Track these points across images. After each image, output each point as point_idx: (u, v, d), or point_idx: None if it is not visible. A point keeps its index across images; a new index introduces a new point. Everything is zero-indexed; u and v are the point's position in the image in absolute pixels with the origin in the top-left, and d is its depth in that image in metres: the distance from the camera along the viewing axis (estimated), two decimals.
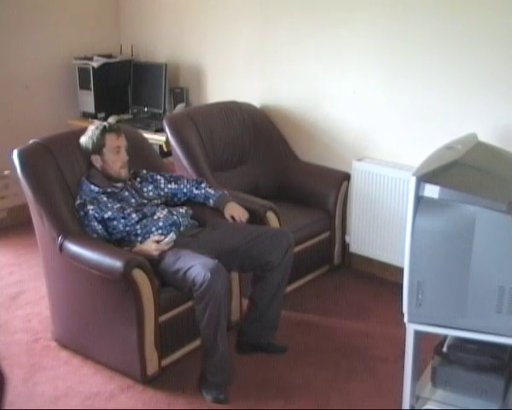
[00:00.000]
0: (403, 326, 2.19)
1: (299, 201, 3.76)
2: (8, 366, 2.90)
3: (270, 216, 3.20)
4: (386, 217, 3.57)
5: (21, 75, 4.52)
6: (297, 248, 3.19)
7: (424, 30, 3.33)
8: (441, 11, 3.27)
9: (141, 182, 3.09)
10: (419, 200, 2.03)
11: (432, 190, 2.01)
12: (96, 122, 3.12)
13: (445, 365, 2.25)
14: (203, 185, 3.15)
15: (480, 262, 1.98)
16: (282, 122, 4.05)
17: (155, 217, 2.93)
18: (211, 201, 3.11)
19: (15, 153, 2.96)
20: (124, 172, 2.99)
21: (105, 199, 2.90)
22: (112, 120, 4.37)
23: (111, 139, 2.95)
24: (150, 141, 3.71)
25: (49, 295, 3.09)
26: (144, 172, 3.14)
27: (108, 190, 2.94)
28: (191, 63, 4.55)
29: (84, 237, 2.83)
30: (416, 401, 2.25)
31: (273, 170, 3.93)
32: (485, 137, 2.55)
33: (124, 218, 2.89)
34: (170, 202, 3.14)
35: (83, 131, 3.05)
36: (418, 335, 2.16)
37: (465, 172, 2.12)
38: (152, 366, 2.74)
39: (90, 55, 4.67)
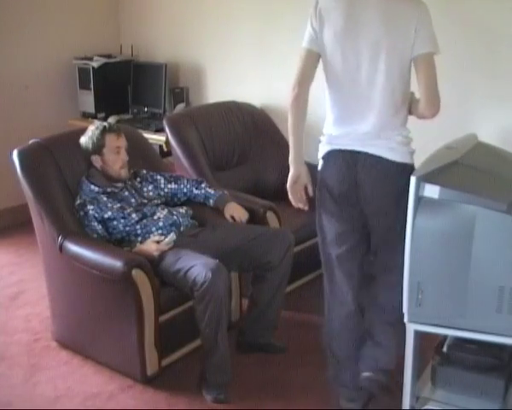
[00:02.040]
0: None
1: None
2: (8, 366, 2.92)
3: (270, 216, 3.20)
4: None
5: (21, 75, 4.52)
6: (297, 248, 3.18)
7: None
8: (439, 11, 3.27)
9: (141, 182, 3.09)
10: (419, 200, 2.03)
11: (432, 190, 2.01)
12: (96, 122, 3.12)
13: (444, 365, 2.25)
14: (203, 185, 3.16)
15: (480, 262, 1.99)
16: (282, 122, 4.05)
17: (155, 217, 2.93)
18: (211, 201, 3.12)
19: (15, 153, 2.96)
20: (124, 173, 2.99)
21: (105, 199, 2.91)
22: (112, 120, 4.36)
23: (111, 139, 2.95)
24: (150, 141, 3.71)
25: (50, 295, 3.10)
26: (144, 172, 3.14)
27: (108, 190, 2.94)
28: (191, 63, 4.55)
29: (84, 237, 2.83)
30: (416, 401, 2.25)
31: (273, 170, 3.93)
32: (485, 137, 2.55)
33: (124, 218, 2.89)
34: (170, 202, 3.14)
35: (83, 131, 3.05)
36: (418, 335, 2.16)
37: (465, 172, 2.12)
38: (152, 366, 2.74)
39: (90, 55, 4.67)
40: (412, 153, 2.35)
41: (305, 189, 2.49)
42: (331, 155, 2.40)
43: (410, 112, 2.39)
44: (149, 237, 2.87)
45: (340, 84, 2.36)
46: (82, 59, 4.66)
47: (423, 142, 3.14)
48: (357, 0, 2.26)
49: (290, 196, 2.53)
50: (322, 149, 2.46)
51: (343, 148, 2.35)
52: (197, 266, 2.60)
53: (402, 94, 2.30)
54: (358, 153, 2.31)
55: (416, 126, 3.45)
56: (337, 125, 2.39)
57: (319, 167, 2.50)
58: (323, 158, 2.45)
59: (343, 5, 2.27)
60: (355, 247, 2.45)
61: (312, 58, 2.39)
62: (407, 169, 2.24)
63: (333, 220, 2.45)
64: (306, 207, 2.54)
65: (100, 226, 2.86)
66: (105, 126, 2.97)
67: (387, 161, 2.28)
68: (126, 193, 2.99)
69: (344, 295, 2.49)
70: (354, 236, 2.44)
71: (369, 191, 2.32)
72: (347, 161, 2.34)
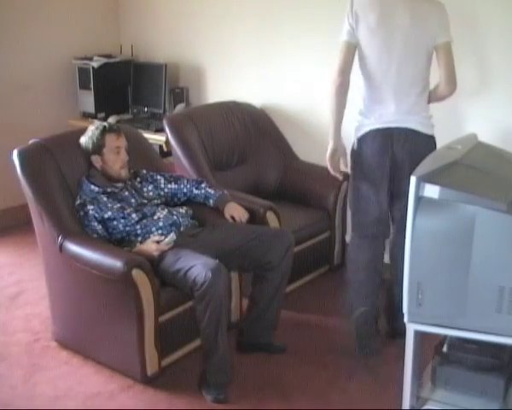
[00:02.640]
0: None
1: (299, 201, 3.76)
2: (8, 366, 2.92)
3: (270, 216, 3.20)
4: None
5: (21, 75, 4.52)
6: (297, 248, 3.19)
7: None
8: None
9: (141, 182, 3.09)
10: (419, 200, 2.03)
11: (432, 190, 2.01)
12: (96, 122, 3.12)
13: (445, 365, 2.25)
14: (203, 185, 3.16)
15: (480, 262, 1.98)
16: (282, 122, 4.05)
17: (155, 217, 2.93)
18: (211, 201, 3.12)
19: (15, 153, 2.96)
20: (124, 173, 2.99)
21: (105, 199, 2.91)
22: (112, 120, 4.37)
23: (111, 139, 2.95)
24: (150, 141, 3.71)
25: (50, 295, 3.10)
26: (144, 172, 3.14)
27: (108, 190, 2.94)
28: (191, 63, 4.55)
29: (84, 237, 2.83)
30: (416, 401, 2.25)
31: (273, 170, 3.94)
32: (485, 137, 2.55)
33: (124, 218, 2.89)
34: (170, 202, 3.14)
35: (83, 131, 3.05)
36: (418, 335, 2.16)
37: (465, 172, 2.12)
38: (152, 366, 2.74)
39: (90, 55, 4.67)
40: (433, 126, 2.81)
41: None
42: (368, 135, 2.82)
43: (428, 100, 2.84)
44: (149, 237, 2.87)
45: (374, 72, 2.78)
46: (82, 59, 4.66)
47: None
48: (388, 1, 2.72)
49: (329, 166, 2.93)
50: (359, 131, 2.85)
51: (380, 126, 2.78)
52: (197, 266, 2.60)
53: (426, 77, 2.79)
54: (393, 128, 2.77)
55: None
56: (372, 108, 2.81)
57: (355, 146, 2.90)
58: (361, 137, 2.85)
59: (376, 6, 2.72)
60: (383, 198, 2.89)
61: (351, 49, 2.78)
62: (431, 139, 2.80)
63: (364, 187, 2.90)
64: (341, 177, 3.06)
65: (100, 226, 2.86)
66: (105, 126, 2.97)
67: (417, 132, 2.75)
68: (126, 193, 2.99)
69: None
70: (383, 194, 2.88)
71: (402, 158, 2.77)
72: (383, 135, 2.78)
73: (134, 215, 2.91)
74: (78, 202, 2.90)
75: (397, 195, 2.84)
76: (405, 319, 2.15)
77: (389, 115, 2.77)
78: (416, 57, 2.73)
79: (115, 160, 2.96)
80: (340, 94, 2.80)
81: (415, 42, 2.70)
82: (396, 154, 2.78)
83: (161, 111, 4.48)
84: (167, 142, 3.88)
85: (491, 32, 3.17)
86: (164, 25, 4.66)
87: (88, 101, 4.64)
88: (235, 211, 3.08)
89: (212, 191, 3.13)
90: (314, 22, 3.81)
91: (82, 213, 2.87)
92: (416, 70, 2.74)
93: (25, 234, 4.06)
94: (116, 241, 2.90)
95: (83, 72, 4.64)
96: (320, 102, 3.86)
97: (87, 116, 4.66)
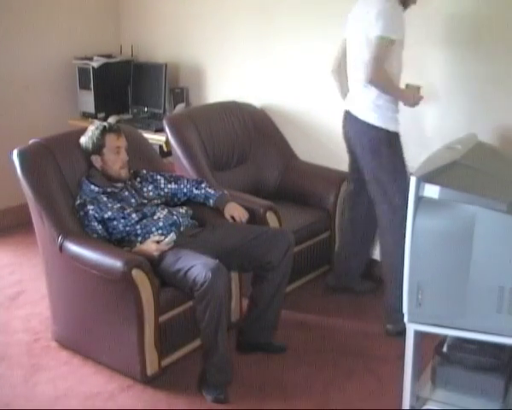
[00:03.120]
0: None
1: (299, 201, 3.76)
2: (8, 366, 2.92)
3: (270, 216, 3.20)
4: None
5: (21, 75, 4.52)
6: (297, 248, 3.19)
7: (427, 31, 3.33)
8: (434, 11, 3.27)
9: (141, 182, 3.09)
10: (419, 200, 2.03)
11: (432, 190, 2.01)
12: (96, 122, 3.12)
13: (445, 365, 2.25)
14: (203, 185, 3.16)
15: (480, 262, 1.99)
16: (282, 122, 4.05)
17: (155, 217, 2.93)
18: (211, 201, 3.12)
19: (15, 153, 2.96)
20: (124, 173, 2.99)
21: (105, 199, 2.91)
22: (112, 120, 4.36)
23: (111, 139, 2.95)
24: (150, 141, 3.71)
25: (50, 295, 3.10)
26: (144, 172, 3.14)
27: (108, 190, 2.94)
28: (191, 63, 4.55)
29: (84, 237, 2.83)
30: (416, 401, 2.25)
31: (273, 170, 3.93)
32: (485, 137, 2.56)
33: (124, 218, 2.89)
34: (170, 202, 3.14)
35: (83, 131, 3.05)
36: (418, 335, 2.16)
37: (465, 172, 2.12)
38: (152, 366, 2.74)
39: (90, 55, 4.67)
40: (386, 121, 3.00)
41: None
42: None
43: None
44: (149, 237, 2.87)
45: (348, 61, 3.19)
46: (82, 59, 4.66)
47: (423, 142, 3.16)
48: (356, 5, 3.09)
49: None
50: None
51: (344, 108, 3.22)
52: (197, 266, 2.60)
53: None
54: (346, 111, 3.20)
55: (416, 126, 3.47)
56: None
57: None
58: None
59: (353, 9, 3.11)
60: (355, 176, 3.34)
61: (345, 43, 3.21)
62: (373, 129, 3.02)
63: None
64: None
65: (100, 226, 2.86)
66: (105, 126, 2.97)
67: (357, 118, 3.08)
68: (126, 193, 2.99)
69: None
70: (356, 170, 3.29)
71: (351, 140, 3.21)
72: (344, 116, 3.23)
73: (134, 215, 2.91)
74: (78, 202, 2.90)
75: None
76: (405, 319, 2.15)
77: (347, 99, 3.21)
78: (360, 49, 3.00)
79: (115, 160, 2.96)
80: (335, 77, 3.35)
81: (358, 35, 3.01)
82: (349, 134, 3.21)
83: (161, 111, 4.48)
84: (167, 142, 3.87)
85: (495, 33, 3.16)
86: (164, 25, 4.66)
87: (88, 101, 4.64)
88: (235, 211, 3.08)
89: (212, 191, 3.13)
90: (315, 22, 3.81)
91: (82, 213, 2.87)
92: (360, 62, 3.01)
93: (25, 234, 4.06)
94: (116, 241, 2.89)
95: (83, 72, 4.63)
96: (320, 102, 3.87)
97: (87, 116, 4.65)
